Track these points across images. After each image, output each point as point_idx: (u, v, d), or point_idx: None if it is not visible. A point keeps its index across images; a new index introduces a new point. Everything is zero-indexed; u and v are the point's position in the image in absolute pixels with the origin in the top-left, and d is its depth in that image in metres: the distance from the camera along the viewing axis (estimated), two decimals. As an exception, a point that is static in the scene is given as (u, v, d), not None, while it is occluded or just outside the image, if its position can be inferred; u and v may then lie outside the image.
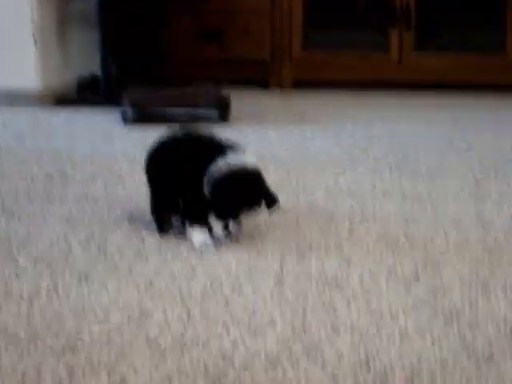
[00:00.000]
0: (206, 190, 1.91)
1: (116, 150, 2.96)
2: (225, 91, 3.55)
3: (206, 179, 1.92)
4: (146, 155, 2.10)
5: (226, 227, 1.94)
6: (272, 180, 2.42)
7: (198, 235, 1.98)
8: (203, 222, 1.96)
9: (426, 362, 1.43)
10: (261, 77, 4.31)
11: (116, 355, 1.45)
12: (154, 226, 2.08)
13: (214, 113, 3.48)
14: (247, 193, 1.93)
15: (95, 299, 1.69)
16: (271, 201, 1.95)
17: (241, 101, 3.81)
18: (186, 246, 1.98)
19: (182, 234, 2.02)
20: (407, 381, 1.36)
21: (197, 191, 1.93)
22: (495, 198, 2.37)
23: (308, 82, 4.24)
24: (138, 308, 1.65)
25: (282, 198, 2.34)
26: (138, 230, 2.10)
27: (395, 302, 1.67)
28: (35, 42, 3.67)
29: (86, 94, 3.90)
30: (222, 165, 1.92)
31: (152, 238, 2.04)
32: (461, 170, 2.67)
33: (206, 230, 1.97)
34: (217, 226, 1.94)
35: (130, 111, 3.40)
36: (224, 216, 1.93)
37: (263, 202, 1.94)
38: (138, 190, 2.43)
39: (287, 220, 2.19)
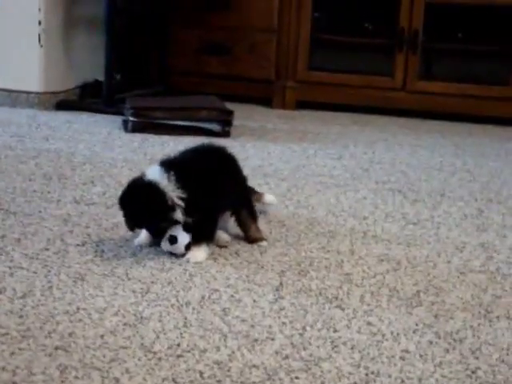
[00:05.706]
0: None
1: (116, 155, 2.92)
2: (228, 106, 3.53)
3: None
4: None
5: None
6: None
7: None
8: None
9: (427, 385, 1.39)
10: (264, 95, 4.29)
11: (110, 359, 1.41)
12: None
13: (215, 126, 3.45)
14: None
15: (90, 302, 1.65)
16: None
17: (243, 117, 3.80)
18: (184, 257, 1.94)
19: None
20: (409, 403, 1.33)
21: None
22: (498, 227, 2.34)
23: (311, 103, 4.23)
24: (133, 313, 1.61)
25: (282, 213, 2.34)
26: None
27: (396, 324, 1.64)
28: (40, 44, 3.64)
29: (88, 99, 3.87)
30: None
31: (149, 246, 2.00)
32: (463, 198, 2.64)
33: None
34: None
35: (131, 119, 3.37)
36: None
37: None
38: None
39: (288, 236, 2.15)
